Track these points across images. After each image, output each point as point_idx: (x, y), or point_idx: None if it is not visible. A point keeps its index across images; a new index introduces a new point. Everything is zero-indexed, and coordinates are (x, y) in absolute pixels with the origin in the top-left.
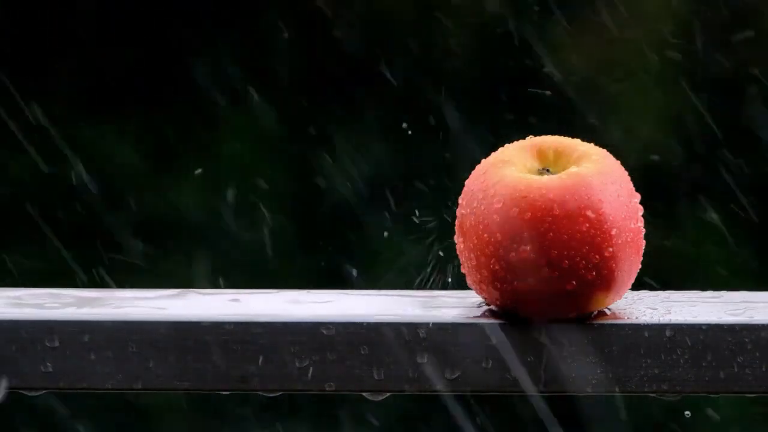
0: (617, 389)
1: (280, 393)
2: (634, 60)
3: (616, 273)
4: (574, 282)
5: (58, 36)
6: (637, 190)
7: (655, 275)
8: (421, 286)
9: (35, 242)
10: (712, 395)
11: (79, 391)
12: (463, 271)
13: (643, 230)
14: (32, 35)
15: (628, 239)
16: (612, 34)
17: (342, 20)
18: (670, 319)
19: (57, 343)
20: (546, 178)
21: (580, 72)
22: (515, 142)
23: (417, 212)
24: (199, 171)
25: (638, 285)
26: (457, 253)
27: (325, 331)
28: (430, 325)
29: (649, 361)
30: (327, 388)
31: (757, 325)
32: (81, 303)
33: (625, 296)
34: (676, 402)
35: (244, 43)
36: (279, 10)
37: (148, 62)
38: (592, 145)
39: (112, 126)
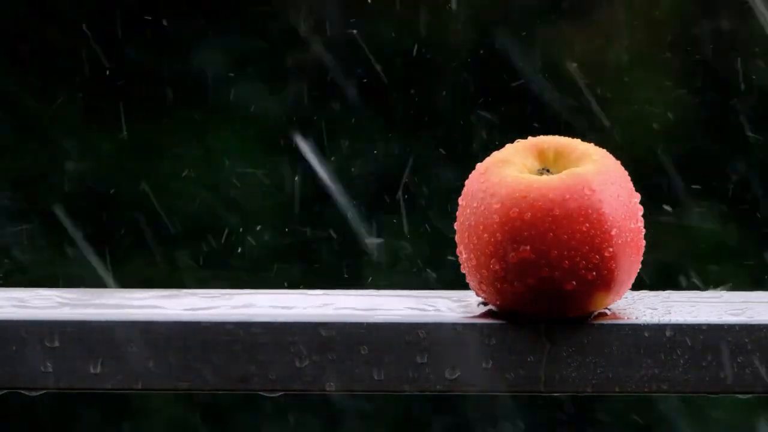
0: (617, 389)
1: (281, 393)
2: (635, 58)
3: (616, 273)
4: (574, 282)
5: None
6: (636, 190)
7: (655, 275)
8: (421, 286)
9: None
10: (711, 395)
11: (79, 391)
12: (463, 271)
13: (643, 230)
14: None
15: (628, 239)
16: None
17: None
18: (670, 319)
19: (57, 343)
20: (546, 178)
21: (581, 70)
22: (515, 142)
23: (418, 211)
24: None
25: (638, 285)
26: (457, 253)
27: (324, 331)
28: (430, 325)
29: (649, 361)
30: (327, 388)
31: (757, 325)
32: (80, 303)
33: (625, 296)
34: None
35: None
36: None
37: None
38: (592, 145)
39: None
